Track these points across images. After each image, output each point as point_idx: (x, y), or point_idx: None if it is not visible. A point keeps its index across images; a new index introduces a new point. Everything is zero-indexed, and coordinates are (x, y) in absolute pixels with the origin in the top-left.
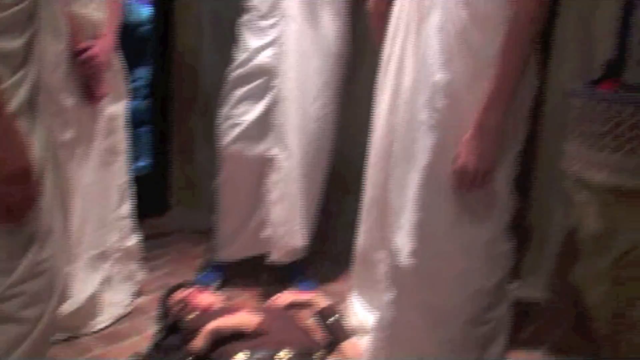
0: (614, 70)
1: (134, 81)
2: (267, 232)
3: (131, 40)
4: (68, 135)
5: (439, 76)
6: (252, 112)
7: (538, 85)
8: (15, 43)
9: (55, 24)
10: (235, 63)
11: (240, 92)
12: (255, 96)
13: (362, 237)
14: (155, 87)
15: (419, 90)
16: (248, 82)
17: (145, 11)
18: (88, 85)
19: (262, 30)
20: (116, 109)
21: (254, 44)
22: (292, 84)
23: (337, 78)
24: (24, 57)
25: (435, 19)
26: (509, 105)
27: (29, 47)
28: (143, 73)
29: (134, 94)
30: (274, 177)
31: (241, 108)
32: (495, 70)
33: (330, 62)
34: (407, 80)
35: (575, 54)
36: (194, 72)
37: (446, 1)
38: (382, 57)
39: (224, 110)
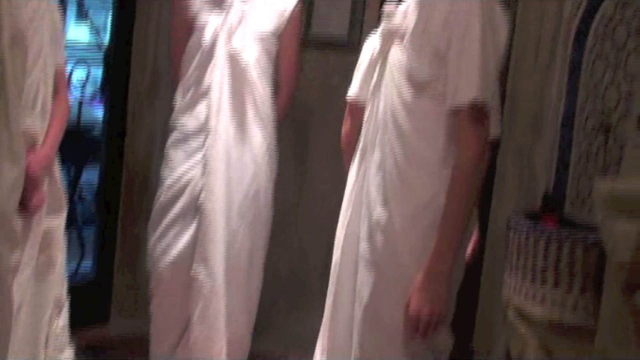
0: (553, 204)
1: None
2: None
3: (82, 140)
4: (13, 258)
5: (378, 213)
6: (183, 235)
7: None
8: None
9: (13, 148)
10: (164, 185)
11: (170, 215)
12: (184, 218)
13: None
14: (103, 189)
15: (359, 224)
16: (176, 204)
17: (98, 112)
18: (23, 197)
19: (189, 150)
20: (54, 221)
21: (181, 164)
22: (219, 204)
23: (267, 194)
24: None
25: (376, 156)
26: (458, 250)
27: None
28: (92, 175)
29: (82, 194)
30: (195, 297)
31: (172, 231)
32: (443, 216)
33: (260, 180)
34: (350, 213)
35: (515, 186)
36: (144, 179)
37: (384, 140)
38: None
39: (156, 234)
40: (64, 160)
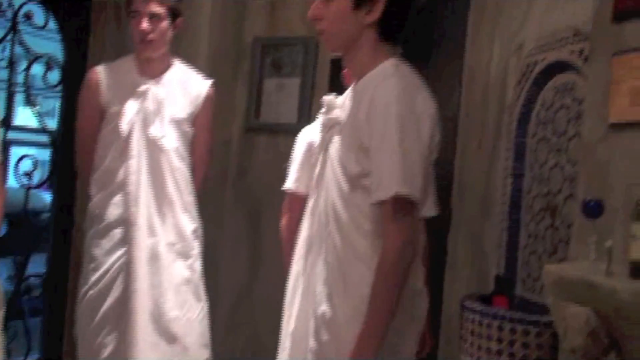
0: (505, 285)
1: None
2: None
3: (30, 227)
4: None
5: (323, 309)
6: (112, 335)
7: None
8: None
9: None
10: (91, 281)
11: (100, 313)
12: (114, 314)
13: None
14: (51, 277)
15: (307, 319)
16: (106, 302)
17: (46, 198)
18: None
19: (113, 243)
20: None
21: (106, 258)
22: (146, 301)
23: (199, 278)
24: None
25: (322, 250)
26: (381, 340)
27: None
28: (38, 263)
29: (28, 283)
30: None
31: (105, 330)
32: (368, 306)
33: (191, 263)
34: (297, 308)
35: (467, 267)
36: None
37: (326, 233)
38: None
39: (87, 331)
40: (10, 248)
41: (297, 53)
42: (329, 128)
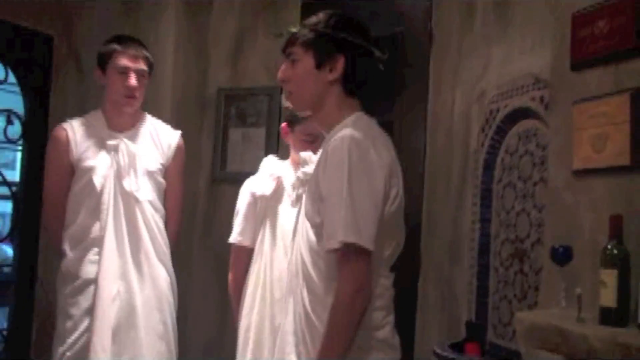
0: (476, 331)
1: None
2: None
3: None
4: None
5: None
6: None
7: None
8: None
9: None
10: (68, 342)
11: None
12: None
13: None
14: (12, 333)
15: None
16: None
17: (8, 251)
18: None
19: (89, 301)
20: None
21: (84, 318)
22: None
23: (173, 329)
24: None
25: (291, 301)
26: None
27: None
28: (1, 315)
29: None
30: None
31: None
32: (321, 346)
33: (166, 316)
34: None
35: (438, 312)
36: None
37: (296, 284)
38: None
39: None
40: None
41: (262, 103)
42: (301, 183)
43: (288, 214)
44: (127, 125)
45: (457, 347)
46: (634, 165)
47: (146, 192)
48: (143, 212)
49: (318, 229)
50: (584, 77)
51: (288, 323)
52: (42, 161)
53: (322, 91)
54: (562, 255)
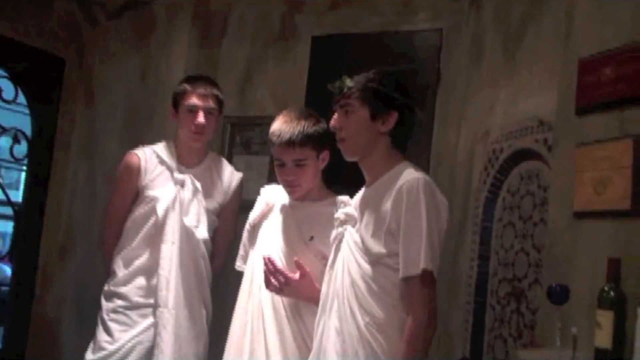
0: None
1: None
2: None
3: None
4: None
5: None
6: None
7: None
8: None
9: None
10: (100, 355)
11: None
12: None
13: None
14: (8, 350)
15: None
16: None
17: (7, 271)
18: None
19: (134, 321)
20: None
21: (125, 334)
22: None
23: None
24: None
25: (333, 322)
26: None
27: None
28: None
29: None
30: None
31: None
32: None
33: (201, 353)
34: None
35: (433, 349)
36: (52, 342)
37: (342, 308)
38: None
39: None
40: None
41: (267, 131)
42: (343, 222)
43: (272, 238)
44: (195, 161)
45: None
46: (634, 210)
47: (203, 230)
48: (199, 249)
49: (380, 258)
50: (588, 121)
51: (331, 340)
52: (46, 180)
53: (372, 141)
54: (559, 295)
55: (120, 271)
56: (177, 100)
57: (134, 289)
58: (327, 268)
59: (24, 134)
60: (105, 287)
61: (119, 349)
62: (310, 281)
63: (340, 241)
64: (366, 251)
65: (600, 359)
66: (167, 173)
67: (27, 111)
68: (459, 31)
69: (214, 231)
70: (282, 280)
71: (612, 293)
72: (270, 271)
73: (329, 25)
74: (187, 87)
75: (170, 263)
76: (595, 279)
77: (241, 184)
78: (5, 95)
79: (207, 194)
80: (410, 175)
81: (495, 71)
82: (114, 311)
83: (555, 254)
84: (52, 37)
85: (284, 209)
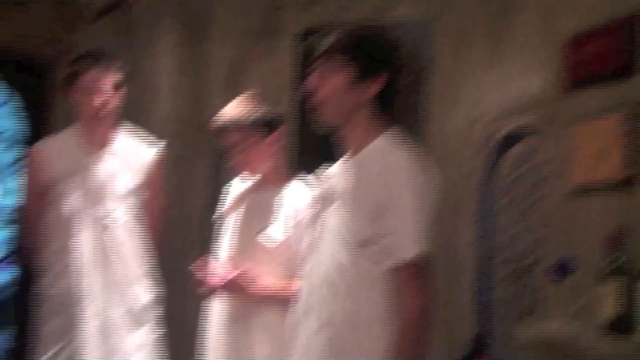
0: (482, 345)
1: None
2: None
3: None
4: None
5: None
6: None
7: None
8: None
9: None
10: None
11: None
12: None
13: None
14: (16, 351)
15: None
16: None
17: (6, 275)
18: None
19: (65, 322)
20: None
21: (59, 339)
22: None
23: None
24: None
25: (313, 320)
26: None
27: None
28: (2, 338)
29: None
30: None
31: None
32: None
33: (141, 332)
34: None
35: (441, 331)
36: None
37: (321, 303)
38: None
39: None
40: None
41: None
42: (322, 200)
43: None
44: (101, 145)
45: None
46: (630, 180)
47: (119, 215)
48: (116, 236)
49: (359, 244)
50: (579, 98)
51: (313, 343)
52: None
53: (356, 106)
54: (564, 269)
55: (45, 274)
56: (70, 81)
57: (57, 290)
58: (306, 254)
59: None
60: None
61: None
62: (251, 277)
63: (316, 223)
64: (348, 234)
65: (609, 327)
66: (72, 163)
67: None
68: (445, 17)
69: (143, 209)
70: (216, 281)
71: (616, 262)
72: (204, 276)
73: (314, 18)
74: (79, 66)
75: (82, 257)
76: (599, 250)
77: (158, 157)
78: None
79: (121, 176)
80: (397, 149)
81: (484, 55)
82: (48, 315)
83: (556, 230)
84: (37, 39)
85: (242, 200)
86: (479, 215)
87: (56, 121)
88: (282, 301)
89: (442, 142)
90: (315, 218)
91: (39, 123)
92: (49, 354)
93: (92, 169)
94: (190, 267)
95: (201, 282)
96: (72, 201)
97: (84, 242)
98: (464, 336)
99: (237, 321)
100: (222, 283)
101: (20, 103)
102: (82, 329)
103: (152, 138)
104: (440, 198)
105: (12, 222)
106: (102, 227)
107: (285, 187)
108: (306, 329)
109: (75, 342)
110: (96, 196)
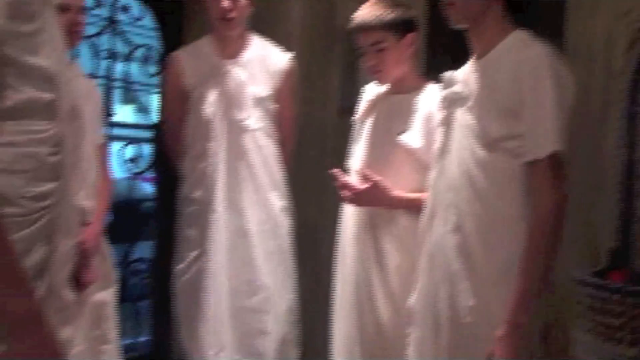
0: (620, 259)
1: (134, 261)
2: None
3: (134, 215)
4: (66, 332)
5: (460, 277)
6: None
7: None
8: None
9: (68, 223)
10: (185, 262)
11: (197, 296)
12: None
13: None
14: (156, 262)
15: (435, 289)
16: (200, 284)
17: (148, 188)
18: (75, 272)
19: (206, 224)
20: (105, 295)
21: (201, 240)
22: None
23: (288, 251)
24: None
25: (450, 219)
26: (537, 302)
27: None
28: (145, 249)
29: (134, 268)
30: None
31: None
32: (522, 267)
33: (281, 239)
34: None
35: (576, 242)
36: None
37: (458, 201)
38: None
39: (187, 312)
40: (117, 235)
41: None
42: (451, 102)
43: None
44: (236, 52)
45: (600, 276)
46: None
47: (256, 120)
48: (254, 140)
49: (493, 143)
50: None
51: (447, 239)
52: None
53: (486, 5)
54: None
55: (187, 179)
56: None
57: (198, 194)
58: (435, 159)
59: (153, 52)
60: (179, 196)
61: (198, 257)
62: (383, 189)
63: (448, 125)
64: (482, 134)
65: None
66: (209, 70)
67: (152, 32)
68: None
69: (276, 120)
70: (350, 193)
71: None
72: (339, 186)
73: None
74: None
75: (228, 159)
76: None
77: (293, 65)
78: (133, 14)
79: (255, 82)
80: (530, 45)
81: None
82: (186, 219)
83: None
84: None
85: (377, 105)
86: (627, 117)
87: (192, 38)
88: (413, 211)
89: (585, 42)
90: (445, 120)
91: (175, 39)
92: (185, 262)
93: (227, 76)
94: (329, 173)
95: (340, 187)
96: (209, 106)
97: (221, 147)
98: (600, 248)
99: (368, 230)
100: (355, 193)
101: (156, 17)
102: (214, 236)
103: (283, 47)
104: (584, 100)
105: (154, 134)
106: (241, 130)
107: (421, 91)
108: (435, 234)
109: (207, 251)
110: (232, 102)
